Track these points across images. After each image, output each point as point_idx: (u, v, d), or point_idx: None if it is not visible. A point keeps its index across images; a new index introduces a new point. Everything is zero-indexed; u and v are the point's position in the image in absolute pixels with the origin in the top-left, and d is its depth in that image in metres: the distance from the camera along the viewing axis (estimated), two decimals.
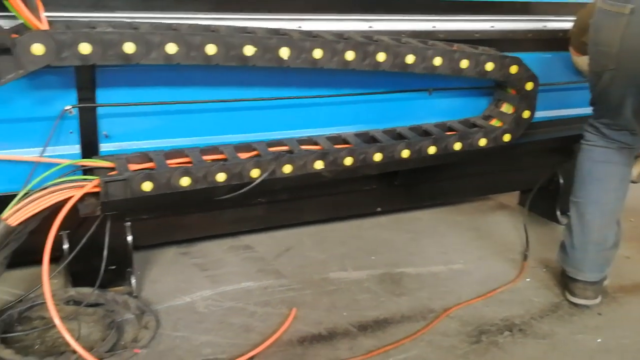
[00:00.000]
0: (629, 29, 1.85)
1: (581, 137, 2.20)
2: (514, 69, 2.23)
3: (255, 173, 1.92)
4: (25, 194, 1.66)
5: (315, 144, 2.11)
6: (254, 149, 2.00)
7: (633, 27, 1.85)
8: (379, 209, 2.71)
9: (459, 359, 1.83)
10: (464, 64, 2.14)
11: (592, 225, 2.11)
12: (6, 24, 1.62)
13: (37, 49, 1.54)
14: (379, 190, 2.60)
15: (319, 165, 2.03)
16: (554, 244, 2.35)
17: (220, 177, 1.87)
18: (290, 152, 2.02)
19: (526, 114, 2.32)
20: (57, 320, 1.56)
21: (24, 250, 1.71)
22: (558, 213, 2.83)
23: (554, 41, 2.55)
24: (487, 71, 2.19)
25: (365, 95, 2.23)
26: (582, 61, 2.54)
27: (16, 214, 1.62)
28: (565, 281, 2.19)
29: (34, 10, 1.58)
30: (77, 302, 1.91)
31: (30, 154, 1.77)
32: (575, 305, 2.15)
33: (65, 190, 1.69)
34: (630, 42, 1.87)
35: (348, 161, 2.07)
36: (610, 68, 1.94)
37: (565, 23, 2.55)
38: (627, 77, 1.93)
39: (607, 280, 2.22)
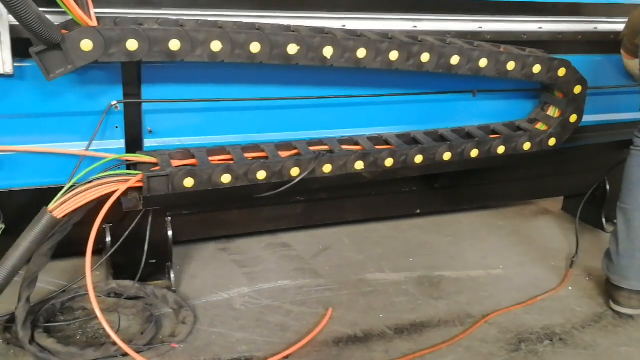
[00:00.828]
0: None
1: (630, 143, 2.13)
2: (562, 72, 2.17)
3: (295, 172, 1.92)
4: (71, 186, 1.69)
5: (356, 144, 2.10)
6: (295, 148, 2.00)
7: None
8: (418, 211, 2.68)
9: None
10: (511, 65, 2.09)
11: (639, 232, 2.05)
12: (56, 19, 1.66)
13: (86, 44, 1.57)
14: (419, 192, 2.57)
15: (359, 165, 2.02)
16: (599, 252, 2.29)
17: (261, 175, 1.87)
18: (330, 151, 2.01)
19: (573, 118, 2.27)
20: (98, 312, 1.59)
21: (68, 241, 1.74)
22: (604, 220, 2.76)
23: (604, 44, 2.48)
24: (534, 74, 2.14)
25: (408, 96, 2.21)
26: (634, 64, 2.46)
27: (62, 207, 1.65)
28: (609, 289, 2.13)
29: (83, 7, 1.61)
30: (117, 295, 1.95)
31: (76, 148, 1.80)
32: (619, 314, 2.08)
33: (109, 184, 1.72)
34: None
35: (389, 162, 2.05)
36: None
37: (616, 25, 2.47)
38: None
39: None
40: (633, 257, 2.05)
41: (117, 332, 1.70)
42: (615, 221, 2.14)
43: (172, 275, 2.07)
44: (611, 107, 2.60)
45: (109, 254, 1.94)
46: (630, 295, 2.06)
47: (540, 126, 2.30)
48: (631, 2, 2.58)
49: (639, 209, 2.05)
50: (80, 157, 1.78)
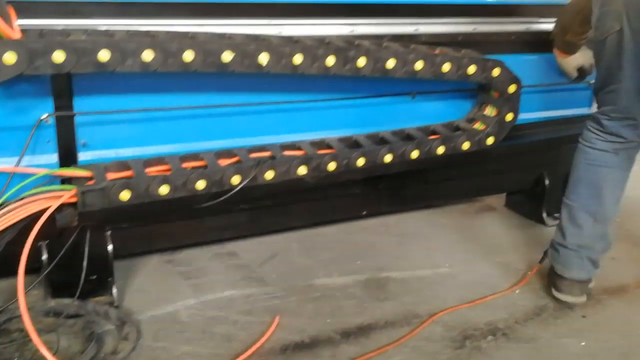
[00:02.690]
0: None
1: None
2: (496, 72, 2.22)
3: (236, 180, 1.91)
4: (1, 204, 1.64)
5: (299, 149, 2.09)
6: (235, 155, 1.98)
7: None
8: (364, 213, 2.69)
9: None
10: (446, 67, 2.13)
11: (584, 230, 2.11)
12: None
13: (9, 58, 1.51)
14: (364, 194, 2.58)
15: (302, 170, 2.02)
16: (540, 247, 2.35)
17: (200, 184, 1.85)
18: (272, 157, 2.00)
19: (509, 116, 2.32)
20: (32, 333, 1.54)
21: (4, 261, 1.68)
22: (544, 215, 2.83)
23: (537, 43, 2.56)
24: (470, 74, 2.18)
25: (349, 100, 2.22)
26: (567, 62, 2.54)
27: None
28: (553, 278, 2.19)
29: (5, 19, 1.56)
30: (57, 314, 1.89)
31: (6, 164, 1.74)
32: (560, 302, 2.15)
33: (41, 201, 1.67)
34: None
35: (331, 166, 2.06)
36: (616, 29, 1.92)
37: (547, 25, 2.55)
38: (633, 37, 1.89)
39: (592, 282, 2.21)
40: (576, 251, 2.11)
41: (55, 352, 1.65)
42: (556, 215, 2.20)
43: (115, 291, 2.02)
44: (547, 104, 2.67)
45: (46, 272, 1.88)
46: (572, 284, 2.13)
47: (479, 125, 2.34)
48: (560, 2, 2.66)
49: (583, 208, 2.11)
50: (10, 174, 1.72)
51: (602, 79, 2.06)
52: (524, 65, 2.42)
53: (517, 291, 2.24)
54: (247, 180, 1.91)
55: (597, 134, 2.09)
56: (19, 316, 1.82)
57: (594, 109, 2.24)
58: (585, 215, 2.10)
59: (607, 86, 2.04)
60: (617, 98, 2.01)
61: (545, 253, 2.27)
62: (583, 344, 1.95)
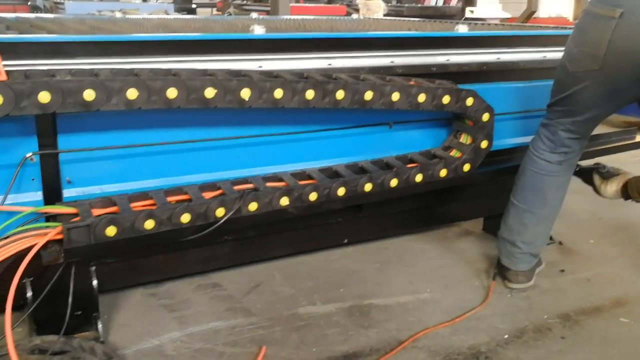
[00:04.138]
0: (618, 32, 1.96)
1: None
2: (469, 101, 2.30)
3: (220, 212, 1.94)
4: None
5: (281, 180, 2.13)
6: (219, 188, 2.02)
7: (622, 30, 1.95)
8: (346, 241, 2.74)
9: None
10: (422, 98, 2.20)
11: (528, 229, 2.38)
12: None
13: None
14: (345, 222, 2.63)
15: (284, 201, 2.05)
16: None
17: (185, 218, 1.87)
18: (255, 189, 2.03)
19: (484, 143, 2.39)
20: None
21: None
22: None
23: (508, 72, 2.65)
24: (444, 104, 2.25)
25: (328, 131, 2.27)
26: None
27: None
28: (501, 270, 2.50)
29: None
30: (42, 351, 1.88)
31: None
32: (512, 289, 2.45)
33: (27, 239, 1.68)
34: (618, 44, 1.97)
35: (313, 196, 2.10)
36: (593, 69, 2.05)
37: (518, 54, 2.64)
38: (610, 78, 2.05)
39: (541, 265, 2.54)
40: (520, 247, 2.40)
41: None
42: (505, 210, 2.43)
43: (100, 326, 2.03)
44: (520, 131, 2.75)
45: (31, 309, 1.88)
46: (517, 274, 2.45)
47: (455, 153, 2.41)
48: (528, 33, 2.77)
49: (530, 211, 2.36)
50: None
51: (568, 98, 2.20)
52: (496, 93, 2.51)
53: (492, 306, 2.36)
54: (231, 213, 1.94)
55: (546, 146, 2.32)
56: (4, 355, 1.82)
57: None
58: (530, 216, 2.37)
59: (568, 105, 2.22)
60: (576, 116, 2.21)
61: (495, 275, 2.55)
62: None
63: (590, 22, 2.07)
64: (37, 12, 7.10)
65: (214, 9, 9.62)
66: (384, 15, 7.62)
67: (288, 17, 4.68)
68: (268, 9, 8.25)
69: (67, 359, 1.86)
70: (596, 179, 2.60)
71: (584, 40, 2.09)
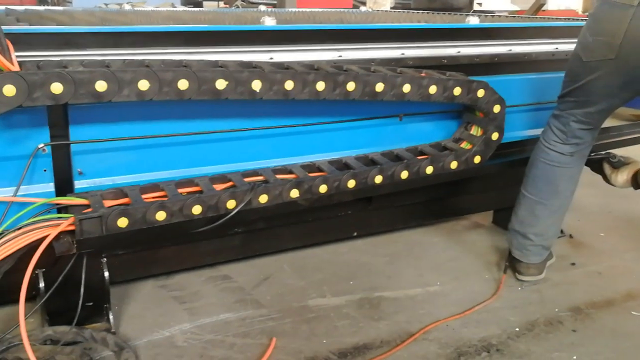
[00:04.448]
0: (635, 21, 1.94)
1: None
2: (480, 93, 2.28)
3: (231, 204, 1.94)
4: (0, 234, 1.65)
5: (291, 172, 2.13)
6: (230, 180, 2.01)
7: (639, 19, 1.93)
8: (355, 234, 2.73)
9: None
10: (433, 89, 2.19)
11: (540, 221, 2.38)
12: None
13: (9, 90, 1.54)
14: (354, 215, 2.63)
15: (294, 193, 2.05)
16: None
17: (196, 209, 1.87)
18: (265, 181, 2.03)
19: (495, 135, 2.38)
20: None
21: (0, 290, 1.69)
22: None
23: (519, 64, 2.63)
24: (456, 96, 2.24)
25: (338, 123, 2.26)
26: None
27: None
28: (512, 262, 2.49)
29: (4, 52, 1.59)
30: (54, 341, 1.89)
31: (3, 194, 1.75)
32: (523, 281, 2.45)
33: (39, 230, 1.69)
34: (635, 33, 1.95)
35: (323, 189, 2.09)
36: (609, 58, 2.04)
37: (529, 46, 2.63)
38: (626, 68, 2.03)
39: (552, 259, 2.53)
40: (532, 240, 2.40)
41: None
42: (516, 202, 2.42)
43: (111, 317, 2.03)
44: (530, 123, 2.74)
45: (43, 300, 1.89)
46: (528, 266, 2.44)
47: (465, 145, 2.40)
48: (539, 25, 2.75)
49: (542, 202, 2.35)
50: (8, 204, 1.73)
51: (579, 90, 2.19)
52: (508, 85, 2.49)
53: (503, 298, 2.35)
54: (242, 205, 1.94)
55: (558, 137, 2.30)
56: (17, 345, 1.83)
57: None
58: (542, 207, 2.36)
59: (581, 96, 2.20)
60: (588, 107, 2.19)
61: (506, 267, 2.53)
62: (575, 358, 1.99)
63: (607, 11, 2.04)
64: (44, 5, 7.12)
65: (221, 2, 9.60)
66: (391, 8, 7.58)
67: (297, 9, 4.67)
68: (275, 2, 8.24)
69: (79, 350, 1.86)
70: (606, 168, 2.58)
71: (600, 29, 2.06)
